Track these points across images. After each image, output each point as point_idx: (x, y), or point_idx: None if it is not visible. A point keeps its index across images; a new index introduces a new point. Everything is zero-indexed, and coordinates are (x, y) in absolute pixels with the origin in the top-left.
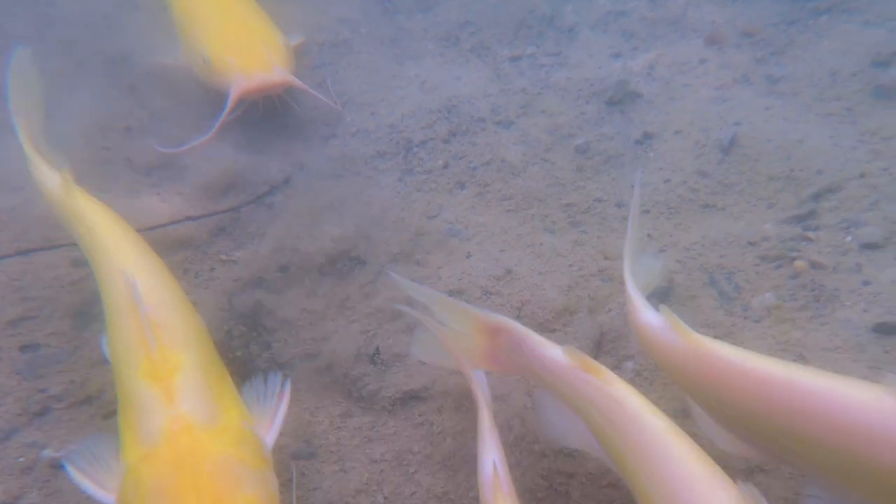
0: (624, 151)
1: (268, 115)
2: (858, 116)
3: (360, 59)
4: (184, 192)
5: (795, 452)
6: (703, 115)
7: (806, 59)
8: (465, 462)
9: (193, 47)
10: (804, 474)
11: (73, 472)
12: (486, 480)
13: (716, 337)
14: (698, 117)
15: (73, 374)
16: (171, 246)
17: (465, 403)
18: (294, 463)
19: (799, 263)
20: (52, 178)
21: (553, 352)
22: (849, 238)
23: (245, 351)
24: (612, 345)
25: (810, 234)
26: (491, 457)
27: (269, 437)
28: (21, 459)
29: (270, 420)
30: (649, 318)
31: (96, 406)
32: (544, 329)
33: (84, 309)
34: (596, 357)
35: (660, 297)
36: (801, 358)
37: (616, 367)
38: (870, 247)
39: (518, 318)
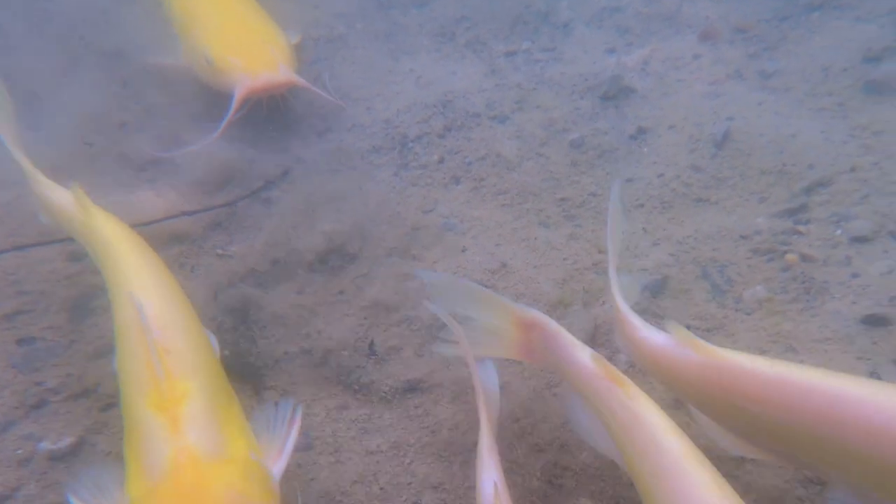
0: (618, 146)
1: (266, 111)
2: (849, 111)
3: (355, 55)
4: (179, 187)
5: (824, 459)
6: (696, 110)
7: (798, 54)
8: (460, 453)
9: (195, 47)
10: (828, 480)
11: None
12: (487, 500)
13: (708, 329)
14: (692, 112)
15: (69, 368)
16: (166, 240)
17: (460, 395)
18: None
19: (790, 256)
20: (64, 197)
21: (582, 355)
22: (839, 231)
23: (237, 346)
24: (607, 337)
25: (801, 228)
26: (492, 477)
27: (278, 467)
28: (19, 452)
29: (280, 449)
30: (652, 336)
31: (93, 399)
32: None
33: (80, 303)
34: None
35: (653, 290)
36: (791, 349)
37: (610, 359)
38: (859, 240)
39: None
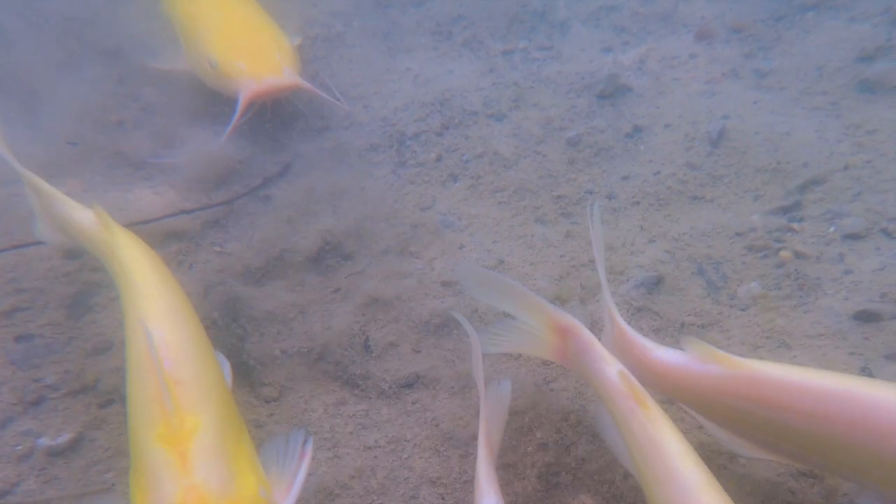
0: (614, 144)
1: (269, 114)
2: (843, 110)
3: (352, 53)
4: (177, 184)
5: (857, 466)
6: (692, 109)
7: (793, 54)
8: (457, 447)
9: (199, 51)
10: (857, 484)
11: None
12: None
13: (703, 325)
14: (688, 111)
15: (68, 364)
16: (164, 238)
17: (458, 390)
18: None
19: (784, 253)
20: (85, 216)
21: (610, 370)
22: (832, 229)
23: (232, 344)
24: (603, 333)
25: (795, 225)
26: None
27: (287, 503)
28: (18, 448)
29: (289, 483)
30: (667, 355)
31: (92, 395)
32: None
33: (78, 300)
34: None
35: (648, 287)
36: (784, 345)
37: None
38: (852, 237)
39: None
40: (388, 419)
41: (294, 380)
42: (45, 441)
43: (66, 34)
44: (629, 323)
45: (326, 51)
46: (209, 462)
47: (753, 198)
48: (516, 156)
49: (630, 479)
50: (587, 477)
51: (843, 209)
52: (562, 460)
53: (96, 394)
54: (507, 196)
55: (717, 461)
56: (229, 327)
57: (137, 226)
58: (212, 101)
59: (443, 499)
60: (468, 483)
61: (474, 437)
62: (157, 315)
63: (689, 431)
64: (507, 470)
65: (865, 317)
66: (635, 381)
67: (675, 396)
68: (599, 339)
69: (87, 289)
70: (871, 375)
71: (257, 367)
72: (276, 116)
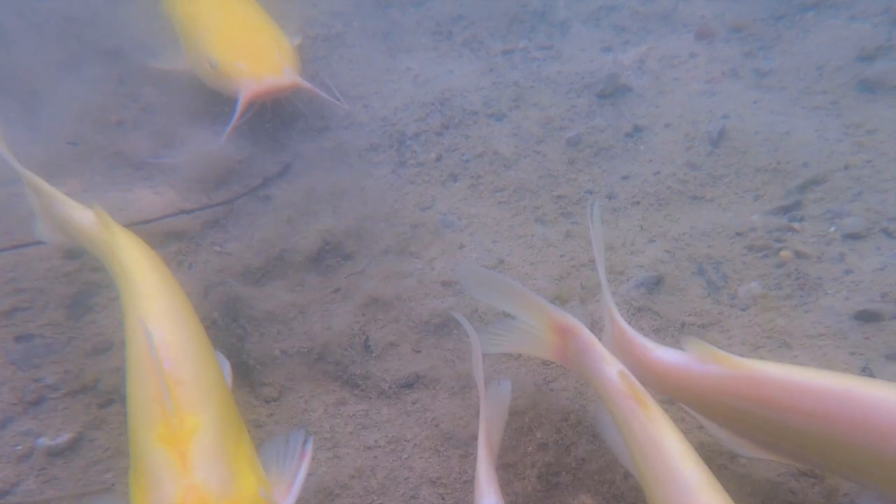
0: (615, 144)
1: (265, 110)
2: (843, 110)
3: (352, 53)
4: (177, 184)
5: (859, 466)
6: (692, 108)
7: (793, 53)
8: (457, 447)
9: (199, 51)
10: (858, 484)
11: None
12: None
13: (703, 325)
14: (688, 110)
15: (67, 364)
16: (164, 238)
17: (458, 390)
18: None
19: (784, 253)
20: (86, 216)
21: (610, 370)
22: (833, 228)
23: (237, 343)
24: (603, 333)
25: (795, 225)
26: None
27: (287, 502)
28: (18, 448)
29: (289, 483)
30: (668, 355)
31: (91, 395)
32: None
33: (78, 300)
34: None
35: (649, 286)
36: (785, 345)
37: None
38: (853, 237)
39: None
40: (388, 419)
41: (294, 380)
42: (44, 441)
43: (66, 34)
44: (629, 323)
45: (326, 51)
46: (209, 462)
47: (754, 197)
48: (516, 155)
49: (630, 479)
50: (587, 477)
51: (844, 209)
52: (562, 460)
53: (96, 394)
54: (507, 196)
55: (717, 461)
56: (229, 327)
57: (138, 226)
58: (212, 101)
59: (443, 499)
60: (468, 483)
61: (474, 437)
62: (157, 315)
63: (690, 431)
64: (507, 470)
65: (866, 316)
66: (636, 381)
67: (676, 396)
68: (599, 339)
69: (87, 289)
70: (871, 375)
71: (257, 367)
72: (275, 116)
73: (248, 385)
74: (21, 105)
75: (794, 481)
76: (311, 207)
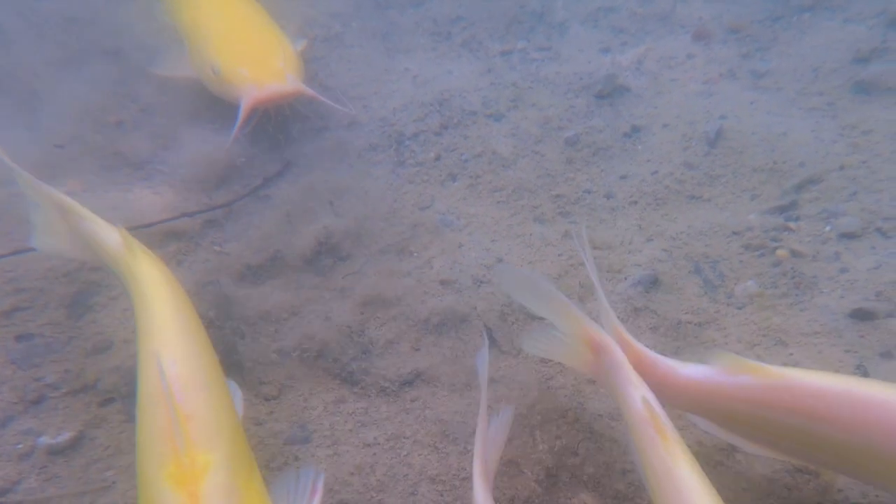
0: (612, 144)
1: (274, 120)
2: (839, 111)
3: (351, 53)
4: (176, 185)
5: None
6: (689, 109)
7: (790, 54)
8: (456, 445)
9: (202, 57)
10: (883, 488)
11: None
12: None
13: (699, 324)
14: (685, 111)
15: (68, 364)
16: (163, 238)
17: (458, 388)
18: (291, 448)
19: (780, 252)
20: (112, 236)
21: (635, 394)
22: (828, 228)
23: (236, 342)
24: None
25: (792, 224)
26: None
27: None
28: (18, 446)
29: None
30: (695, 372)
31: (92, 394)
32: (534, 317)
33: (78, 299)
34: None
35: (646, 285)
36: (781, 343)
37: None
38: (848, 236)
39: (508, 306)
40: (388, 416)
41: (293, 378)
42: (45, 440)
43: (66, 34)
44: (626, 323)
45: (325, 51)
46: (220, 502)
47: (750, 197)
48: (515, 155)
49: (630, 478)
50: (587, 476)
51: (839, 208)
52: (562, 459)
53: (96, 393)
54: (505, 195)
55: (714, 457)
56: (227, 326)
57: (140, 229)
58: (212, 101)
59: (441, 496)
60: (467, 480)
61: (473, 435)
62: (172, 346)
63: (686, 428)
64: (506, 468)
65: (861, 315)
66: (659, 409)
67: (707, 413)
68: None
69: (87, 288)
70: (866, 373)
71: (256, 365)
72: (276, 116)
73: (247, 383)
74: (21, 105)
75: (789, 477)
76: (311, 207)
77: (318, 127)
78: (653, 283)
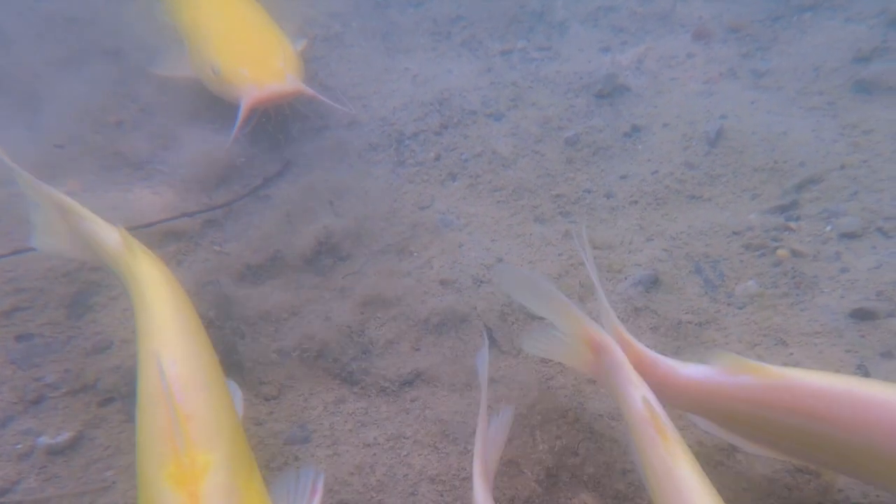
0: (613, 143)
1: (274, 120)
2: (840, 110)
3: (351, 53)
4: (176, 185)
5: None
6: (690, 109)
7: (790, 54)
8: (456, 445)
9: (202, 57)
10: (883, 488)
11: None
12: None
13: (700, 323)
14: (685, 110)
15: (68, 364)
16: (163, 238)
17: (457, 388)
18: (290, 448)
19: (781, 252)
20: (111, 236)
21: (635, 394)
22: (829, 227)
23: (231, 343)
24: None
25: (792, 224)
26: None
27: None
28: (18, 446)
29: None
30: (695, 372)
31: (91, 394)
32: (534, 317)
33: (78, 299)
34: None
35: (646, 285)
36: (781, 343)
37: None
38: (848, 236)
39: (508, 306)
40: (388, 416)
41: (293, 378)
42: (45, 439)
43: (66, 34)
44: (627, 323)
45: (325, 51)
46: (220, 502)
47: (751, 197)
48: (515, 155)
49: (630, 478)
50: (587, 476)
51: (840, 208)
52: (562, 459)
53: (96, 392)
54: (505, 195)
55: (715, 457)
56: (227, 326)
57: (139, 229)
58: (212, 101)
59: (441, 496)
60: (466, 480)
61: (473, 435)
62: (171, 346)
63: (686, 428)
64: (506, 468)
65: (861, 315)
66: (659, 408)
67: (707, 413)
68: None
69: (86, 288)
70: (866, 373)
71: (256, 365)
72: (276, 116)
73: (247, 383)
74: (21, 105)
75: (789, 477)
76: (311, 207)
77: (318, 127)
78: (653, 283)
